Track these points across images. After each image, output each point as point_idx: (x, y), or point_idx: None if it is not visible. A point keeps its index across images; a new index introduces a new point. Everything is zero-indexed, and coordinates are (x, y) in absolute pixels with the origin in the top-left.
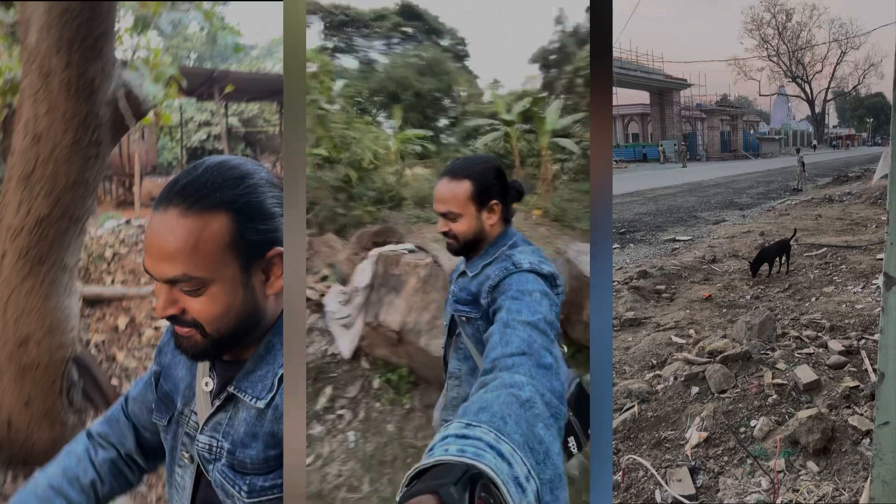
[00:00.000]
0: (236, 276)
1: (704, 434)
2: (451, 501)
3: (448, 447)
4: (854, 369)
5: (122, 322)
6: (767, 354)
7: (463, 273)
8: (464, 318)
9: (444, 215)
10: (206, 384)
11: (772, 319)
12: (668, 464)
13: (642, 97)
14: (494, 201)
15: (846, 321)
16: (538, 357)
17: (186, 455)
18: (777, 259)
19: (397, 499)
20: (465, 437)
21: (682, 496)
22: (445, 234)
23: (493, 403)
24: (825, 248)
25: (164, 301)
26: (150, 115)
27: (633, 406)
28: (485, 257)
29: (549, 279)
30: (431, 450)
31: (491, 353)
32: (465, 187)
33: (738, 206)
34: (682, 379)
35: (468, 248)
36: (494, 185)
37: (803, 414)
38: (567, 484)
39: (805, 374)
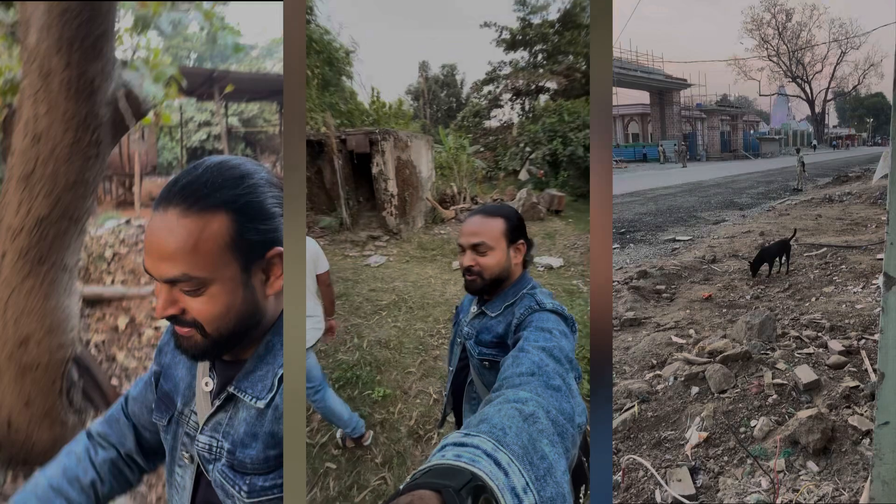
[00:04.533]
0: (236, 276)
1: (704, 434)
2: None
3: (445, 454)
4: (854, 369)
5: (122, 322)
6: (767, 354)
7: (481, 314)
8: (486, 364)
9: (475, 247)
10: (206, 384)
11: (772, 319)
12: (668, 464)
13: (642, 97)
14: (521, 241)
15: (846, 321)
16: (547, 378)
17: (186, 455)
18: (777, 259)
19: (400, 487)
20: (462, 444)
21: (682, 496)
22: (469, 269)
23: (493, 416)
24: (825, 248)
25: (164, 301)
26: (150, 115)
27: (633, 406)
28: (506, 298)
29: (569, 322)
30: (430, 459)
31: (501, 375)
32: (499, 223)
33: (738, 206)
34: (682, 379)
35: (493, 285)
36: (522, 227)
37: (803, 414)
38: None
39: (805, 374)
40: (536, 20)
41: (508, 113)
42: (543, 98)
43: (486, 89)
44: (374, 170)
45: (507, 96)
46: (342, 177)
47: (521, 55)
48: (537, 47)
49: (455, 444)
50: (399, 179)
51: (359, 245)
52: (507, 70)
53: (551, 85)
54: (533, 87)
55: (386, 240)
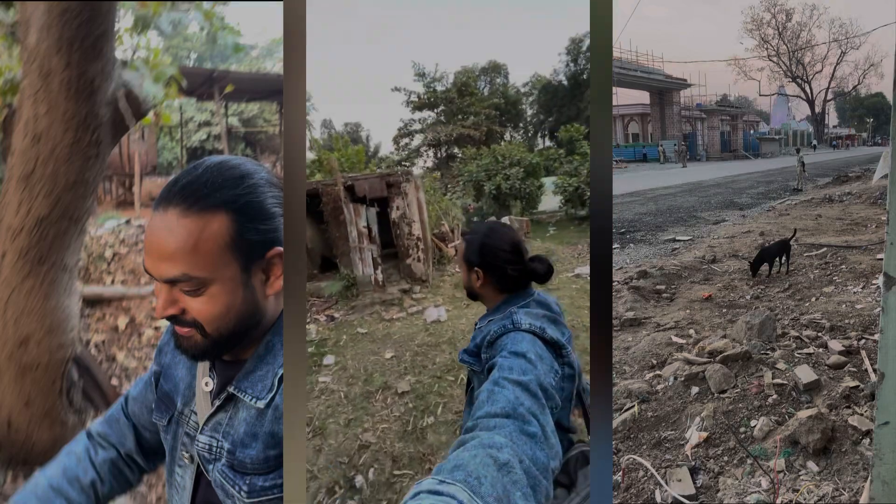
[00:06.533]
0: (236, 276)
1: (704, 434)
2: None
3: (421, 502)
4: (854, 369)
5: (122, 322)
6: (767, 354)
7: (476, 323)
8: (471, 371)
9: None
10: (206, 384)
11: (772, 319)
12: (668, 464)
13: (642, 97)
14: (476, 268)
15: (846, 321)
16: (523, 422)
17: (186, 455)
18: (777, 259)
19: None
20: (438, 493)
21: (682, 496)
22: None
23: (469, 462)
24: (825, 248)
25: (164, 301)
26: (150, 115)
27: (633, 406)
28: (495, 313)
29: (552, 345)
30: None
31: (477, 411)
32: (461, 247)
33: (738, 206)
34: (682, 379)
35: (472, 297)
36: (476, 255)
37: (803, 414)
38: None
39: (805, 374)
40: (440, 87)
41: (427, 162)
42: (456, 148)
43: (402, 142)
44: (395, 214)
45: (423, 148)
46: (361, 228)
47: (427, 114)
48: (440, 108)
49: (430, 493)
50: (419, 222)
51: (394, 304)
52: (416, 126)
53: (461, 135)
54: (447, 137)
55: (419, 290)
